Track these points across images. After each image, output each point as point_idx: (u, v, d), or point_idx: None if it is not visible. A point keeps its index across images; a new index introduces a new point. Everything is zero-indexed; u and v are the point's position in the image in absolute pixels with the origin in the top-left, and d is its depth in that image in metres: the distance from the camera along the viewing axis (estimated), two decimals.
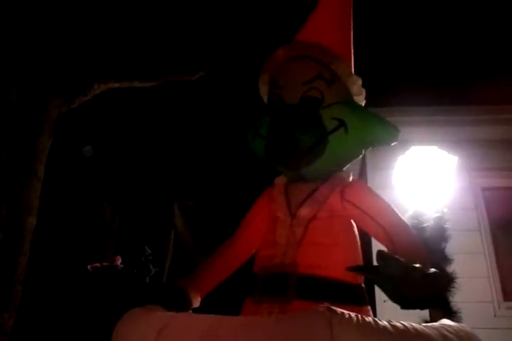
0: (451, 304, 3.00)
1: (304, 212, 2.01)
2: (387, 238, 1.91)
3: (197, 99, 6.90)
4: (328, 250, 1.93)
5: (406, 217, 3.28)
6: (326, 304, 1.40)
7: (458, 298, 3.40)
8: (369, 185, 5.17)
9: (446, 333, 1.50)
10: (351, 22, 2.38)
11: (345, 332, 1.30)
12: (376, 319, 1.41)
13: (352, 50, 2.35)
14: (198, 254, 8.92)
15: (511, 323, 4.03)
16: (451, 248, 3.46)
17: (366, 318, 1.38)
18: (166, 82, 5.15)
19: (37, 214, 3.77)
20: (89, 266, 4.94)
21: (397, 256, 1.48)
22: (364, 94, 2.27)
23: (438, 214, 3.23)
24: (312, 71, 2.11)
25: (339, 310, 1.38)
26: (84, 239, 6.87)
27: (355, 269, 1.61)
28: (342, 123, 2.03)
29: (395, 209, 2.01)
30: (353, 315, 1.37)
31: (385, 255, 1.48)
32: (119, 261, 5.14)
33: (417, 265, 1.48)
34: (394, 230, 1.91)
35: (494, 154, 5.06)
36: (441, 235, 3.18)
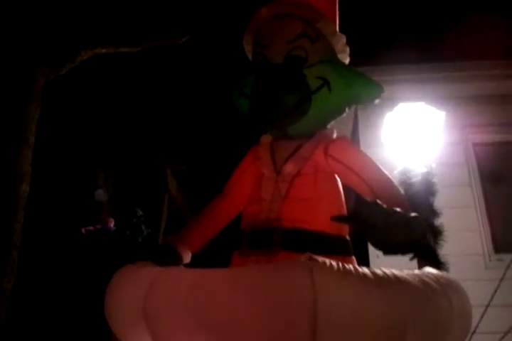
0: (439, 256, 3.07)
1: (289, 168, 2.05)
2: (370, 192, 1.95)
3: (184, 63, 6.83)
4: (312, 205, 1.98)
5: (395, 173, 3.33)
6: (308, 254, 1.45)
7: (450, 251, 3.48)
8: (361, 143, 5.23)
9: (427, 279, 1.55)
10: None
11: (326, 278, 1.35)
12: (357, 266, 1.46)
13: (337, 8, 2.34)
14: (191, 217, 9.03)
15: (501, 274, 4.12)
16: (442, 202, 3.52)
17: (346, 266, 1.42)
18: (152, 46, 5.08)
19: (30, 181, 3.80)
20: (83, 229, 5.02)
21: (378, 202, 1.52)
22: (348, 51, 2.28)
23: (426, 170, 3.27)
24: (296, 29, 2.10)
25: (320, 258, 1.43)
26: (79, 203, 6.94)
27: (339, 219, 1.65)
28: (325, 82, 2.05)
29: (378, 165, 2.05)
30: (333, 263, 1.42)
31: (366, 202, 1.52)
32: (111, 224, 5.21)
33: (398, 210, 1.52)
34: (377, 184, 1.95)
35: (485, 110, 5.07)
36: (428, 190, 3.23)
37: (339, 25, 2.33)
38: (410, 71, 5.27)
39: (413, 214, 1.56)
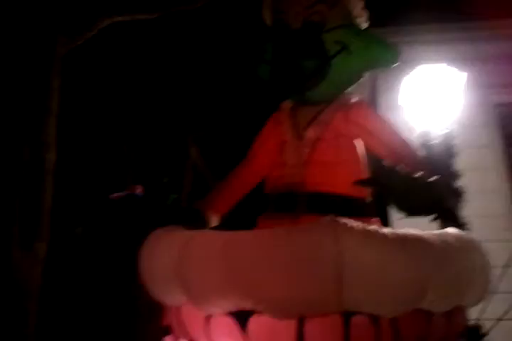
0: (460, 217, 3.10)
1: (310, 133, 2.11)
2: (390, 154, 2.01)
3: (202, 28, 6.77)
4: (333, 168, 2.04)
5: (415, 135, 3.34)
6: (332, 215, 1.51)
7: (470, 212, 3.49)
8: (380, 105, 5.19)
9: (448, 238, 1.62)
10: None
11: (350, 237, 1.42)
12: (379, 227, 1.52)
13: None
14: (213, 182, 9.14)
15: None
16: (463, 164, 3.51)
17: (369, 226, 1.49)
18: (169, 12, 5.04)
19: (56, 149, 3.89)
20: (111, 196, 5.13)
21: (397, 166, 1.56)
22: (366, 16, 2.27)
23: (446, 132, 3.26)
24: None
25: (343, 219, 1.49)
26: (105, 171, 7.06)
27: (360, 182, 1.70)
28: (344, 47, 2.08)
29: (397, 128, 2.11)
30: (356, 223, 1.48)
31: (387, 166, 1.56)
32: (139, 190, 5.32)
33: (418, 173, 1.56)
34: (396, 147, 2.01)
35: (507, 70, 4.96)
36: (448, 152, 3.23)
37: None
38: (431, 31, 5.15)
39: (432, 177, 1.60)
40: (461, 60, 4.64)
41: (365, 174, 2.10)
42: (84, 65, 6.05)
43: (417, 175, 1.57)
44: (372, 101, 5.90)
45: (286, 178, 2.07)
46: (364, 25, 2.29)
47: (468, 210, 3.33)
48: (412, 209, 1.57)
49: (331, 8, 2.13)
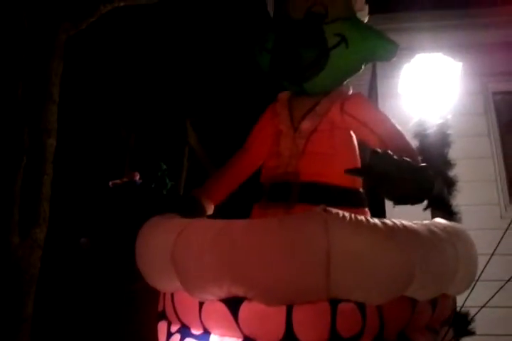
0: (452, 206, 3.14)
1: (306, 125, 2.15)
2: (383, 146, 2.02)
3: (203, 14, 6.75)
4: (328, 159, 2.08)
5: (411, 124, 3.36)
6: (323, 206, 1.55)
7: (466, 201, 3.52)
8: (379, 94, 5.21)
9: (434, 229, 1.66)
10: None
11: (339, 228, 1.47)
12: (368, 217, 1.57)
13: None
14: (211, 168, 9.19)
15: None
16: (459, 153, 3.53)
17: (359, 216, 1.54)
18: None
19: (56, 135, 3.92)
20: (110, 183, 5.17)
21: (388, 152, 1.59)
22: (367, 9, 2.30)
23: (441, 121, 3.28)
24: None
25: (334, 210, 1.54)
26: (103, 158, 7.10)
27: (352, 171, 1.73)
28: (343, 39, 2.11)
29: (391, 120, 2.13)
30: (346, 214, 1.53)
31: (378, 152, 1.59)
32: (137, 177, 5.35)
33: (407, 159, 1.59)
34: (390, 139, 2.04)
35: (505, 58, 4.96)
36: (443, 141, 3.25)
37: None
38: (429, 18, 5.13)
39: (423, 165, 1.63)
40: (458, 48, 4.64)
41: (359, 165, 2.13)
42: (84, 51, 6.05)
43: (408, 162, 1.58)
44: (371, 89, 5.92)
45: (281, 168, 2.12)
46: (365, 18, 2.32)
47: (464, 198, 3.39)
48: (402, 198, 1.60)
49: (333, 0, 2.17)
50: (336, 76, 2.22)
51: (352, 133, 2.19)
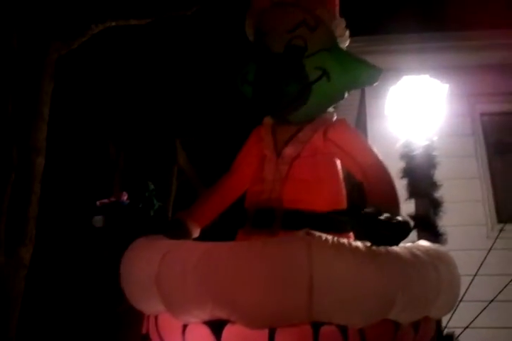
0: (438, 227, 3.17)
1: (289, 151, 2.16)
2: (363, 176, 2.07)
3: (194, 35, 6.83)
4: (311, 186, 2.09)
5: (398, 145, 3.40)
6: (306, 229, 1.57)
7: (453, 221, 3.56)
8: (368, 114, 5.26)
9: (417, 252, 1.68)
10: None
11: (322, 251, 1.48)
12: (351, 240, 1.58)
13: None
14: (201, 189, 9.19)
15: (503, 244, 4.22)
16: (447, 173, 3.57)
17: (341, 240, 1.55)
18: (161, 18, 5.11)
19: (45, 154, 3.93)
20: (97, 202, 5.17)
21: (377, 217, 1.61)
22: (347, 35, 2.33)
23: (427, 142, 3.33)
24: (296, 18, 2.15)
25: (317, 233, 1.55)
26: (91, 177, 7.09)
27: (336, 215, 1.70)
28: (324, 72, 2.12)
29: (373, 148, 2.15)
30: (329, 237, 1.55)
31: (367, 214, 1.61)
32: (125, 197, 5.36)
33: (393, 220, 1.62)
34: (369, 169, 2.05)
35: (492, 79, 5.04)
36: (429, 162, 3.30)
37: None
38: (416, 40, 5.22)
39: (398, 219, 1.65)
40: (446, 69, 4.72)
41: (342, 192, 2.16)
42: (74, 69, 6.09)
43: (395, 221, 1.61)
44: (361, 109, 5.98)
45: (264, 194, 2.12)
46: (346, 43, 2.34)
47: (451, 219, 3.42)
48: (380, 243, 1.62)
49: (313, 31, 2.15)
50: (319, 106, 2.23)
51: (335, 159, 2.19)
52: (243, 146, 2.42)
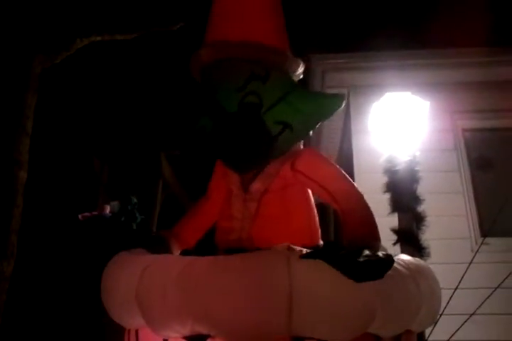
0: (421, 241, 3.19)
1: (256, 186, 2.08)
2: (336, 204, 2.02)
3: (178, 50, 6.87)
4: (282, 221, 2.02)
5: (381, 160, 3.44)
6: (287, 243, 1.57)
7: (438, 235, 3.59)
8: (352, 130, 5.31)
9: (396, 265, 1.68)
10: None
11: (301, 266, 1.49)
12: None
13: (284, 27, 2.25)
14: (186, 202, 9.16)
15: (487, 258, 4.26)
16: (431, 188, 3.61)
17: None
18: (146, 33, 5.14)
19: (27, 168, 3.91)
20: (79, 216, 5.14)
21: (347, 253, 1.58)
22: (300, 64, 2.20)
23: (410, 158, 3.37)
24: (244, 73, 2.00)
25: (297, 248, 1.56)
26: (75, 190, 7.05)
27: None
28: (286, 126, 2.01)
29: (343, 174, 2.08)
30: (309, 252, 1.54)
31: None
32: (107, 210, 5.33)
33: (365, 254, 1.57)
34: (342, 197, 2.00)
35: (474, 96, 5.14)
36: (412, 177, 3.33)
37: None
38: (398, 57, 5.31)
39: (381, 256, 1.62)
40: (428, 86, 4.81)
41: (315, 224, 2.12)
42: (58, 82, 6.09)
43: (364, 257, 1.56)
44: (345, 124, 6.04)
45: (234, 233, 2.06)
46: (299, 70, 2.21)
47: (435, 233, 3.45)
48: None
49: (266, 82, 2.01)
50: (286, 149, 2.11)
51: (306, 189, 2.13)
52: (213, 173, 2.32)
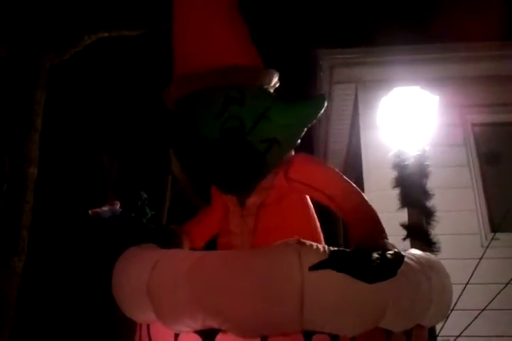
0: (431, 236, 3.18)
1: (252, 200, 2.07)
2: (336, 207, 2.00)
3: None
4: (281, 233, 1.95)
5: (390, 155, 3.44)
6: (297, 237, 1.57)
7: (447, 230, 3.59)
8: (361, 125, 5.29)
9: (407, 260, 1.67)
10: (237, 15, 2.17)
11: (313, 260, 1.47)
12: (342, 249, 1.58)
13: (248, 38, 2.18)
14: (195, 197, 9.17)
15: (497, 253, 4.24)
16: (440, 183, 3.61)
17: (332, 248, 1.55)
18: (154, 28, 5.14)
19: (37, 164, 3.93)
20: (89, 211, 5.15)
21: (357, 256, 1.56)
22: (274, 74, 2.14)
23: (419, 152, 3.36)
24: (218, 99, 1.95)
25: (308, 241, 1.55)
26: (85, 187, 7.09)
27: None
28: (273, 142, 1.97)
29: (340, 175, 2.05)
30: (320, 245, 1.54)
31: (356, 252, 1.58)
32: (117, 206, 5.34)
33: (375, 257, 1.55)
34: (341, 197, 1.98)
35: (483, 90, 5.12)
36: (421, 172, 3.32)
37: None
38: (407, 52, 5.29)
39: (391, 255, 1.59)
40: (437, 81, 4.79)
41: (317, 232, 2.11)
42: (67, 79, 6.12)
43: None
44: (354, 120, 6.03)
45: (234, 248, 2.05)
46: (276, 78, 2.15)
47: (445, 228, 3.44)
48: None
49: (242, 103, 1.95)
50: (278, 162, 2.07)
51: (304, 197, 2.12)
52: (211, 189, 2.31)
